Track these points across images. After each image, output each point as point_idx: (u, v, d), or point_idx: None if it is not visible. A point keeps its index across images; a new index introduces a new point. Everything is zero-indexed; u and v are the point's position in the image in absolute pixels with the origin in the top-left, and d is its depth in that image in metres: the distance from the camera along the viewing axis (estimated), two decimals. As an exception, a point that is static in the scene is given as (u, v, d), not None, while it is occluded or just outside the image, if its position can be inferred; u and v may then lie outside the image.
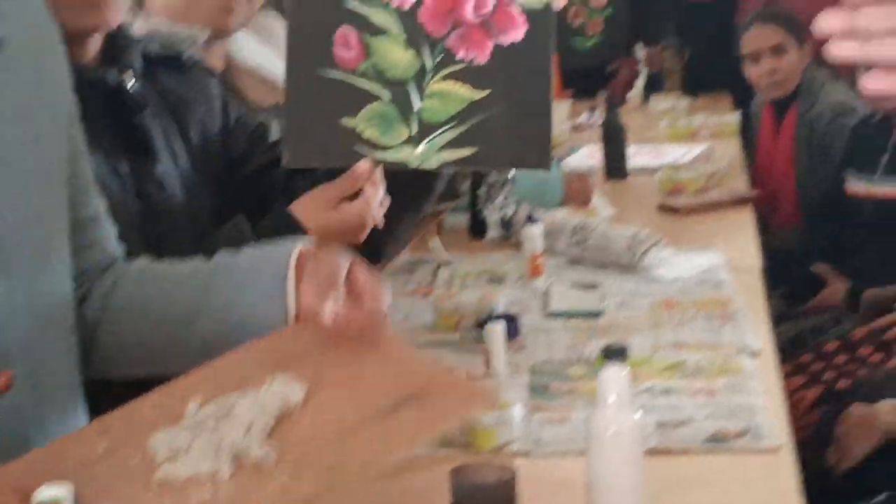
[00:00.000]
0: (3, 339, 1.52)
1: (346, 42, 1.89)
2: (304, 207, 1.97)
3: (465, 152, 1.90)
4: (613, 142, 4.13)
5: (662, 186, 3.82)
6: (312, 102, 1.91)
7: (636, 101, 5.44)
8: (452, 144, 1.90)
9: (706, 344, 2.53)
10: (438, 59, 1.89)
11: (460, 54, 1.88)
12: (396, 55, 1.89)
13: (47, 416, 1.61)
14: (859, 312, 3.88)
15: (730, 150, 4.51)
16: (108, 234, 1.77)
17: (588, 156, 4.31)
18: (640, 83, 5.55)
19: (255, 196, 2.19)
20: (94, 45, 1.98)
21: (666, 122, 4.82)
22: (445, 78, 1.89)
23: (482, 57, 1.88)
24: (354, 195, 1.94)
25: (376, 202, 1.96)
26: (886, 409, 3.06)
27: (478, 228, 3.18)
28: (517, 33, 1.88)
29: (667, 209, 3.70)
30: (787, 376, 3.61)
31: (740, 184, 3.99)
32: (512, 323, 2.59)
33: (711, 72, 5.43)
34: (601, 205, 3.69)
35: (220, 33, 2.50)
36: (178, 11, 2.40)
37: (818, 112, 4.70)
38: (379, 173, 1.96)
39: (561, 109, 4.88)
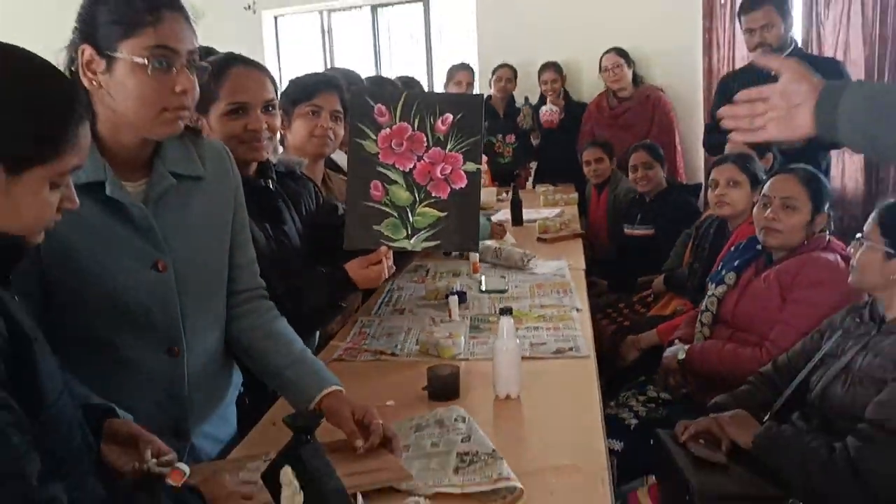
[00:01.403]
0: (177, 328, 1.47)
1: (376, 188, 1.94)
2: (351, 266, 1.97)
3: (434, 242, 1.96)
4: (516, 207, 4.13)
5: (538, 228, 3.80)
6: (359, 218, 1.93)
7: (529, 187, 5.39)
8: (428, 239, 1.95)
9: (555, 305, 2.53)
10: (422, 196, 1.95)
11: (433, 194, 1.95)
12: (401, 194, 1.95)
13: (201, 375, 1.55)
14: (635, 289, 3.91)
15: (572, 211, 4.48)
16: (252, 274, 1.68)
17: (504, 214, 4.26)
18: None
19: (327, 239, 2.11)
20: (253, 166, 1.96)
21: (542, 197, 4.78)
22: (425, 206, 1.95)
23: (444, 195, 1.95)
24: (377, 262, 1.96)
25: (387, 267, 1.98)
26: (642, 338, 3.12)
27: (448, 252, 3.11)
28: (462, 183, 1.95)
29: (540, 240, 3.68)
30: (602, 319, 3.65)
31: (576, 227, 3.96)
32: (463, 295, 2.60)
33: (564, 171, 5.36)
34: (509, 237, 3.66)
35: (319, 157, 2.43)
36: (297, 147, 2.35)
37: (618, 191, 4.69)
38: (391, 253, 1.99)
39: (491, 192, 4.92)
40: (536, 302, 2.60)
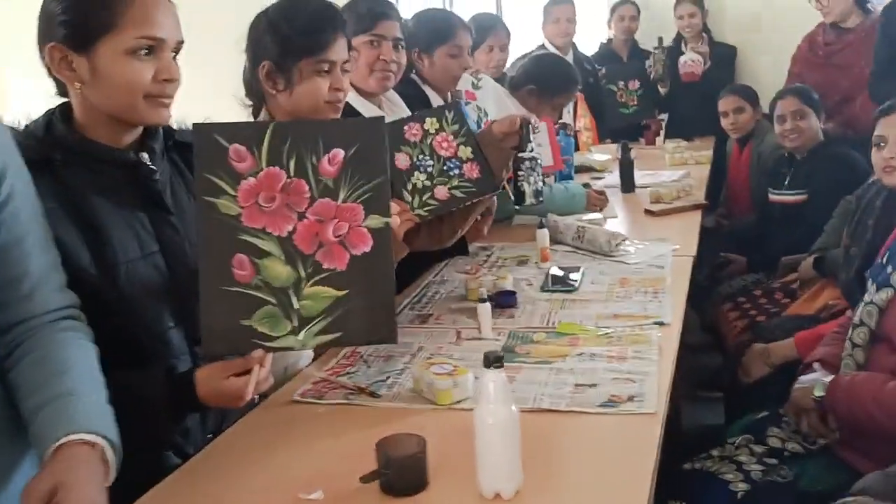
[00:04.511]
0: None
1: (241, 265, 1.28)
2: (202, 374, 1.28)
3: (334, 335, 1.31)
4: (626, 170, 3.29)
5: (649, 197, 2.97)
6: (219, 310, 1.28)
7: (659, 143, 4.49)
8: (324, 331, 1.30)
9: (634, 315, 1.77)
10: (310, 270, 1.31)
11: (326, 265, 1.31)
12: (279, 270, 1.30)
13: None
14: (777, 272, 3.01)
15: (700, 173, 3.59)
16: (48, 294, 1.17)
17: (615, 179, 3.41)
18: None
19: None
20: (135, 133, 1.34)
21: (669, 156, 3.92)
22: (315, 283, 1.31)
23: (342, 266, 1.31)
24: (244, 373, 1.26)
25: (256, 381, 1.26)
26: (774, 349, 2.27)
27: (519, 198, 2.00)
28: (366, 247, 1.32)
29: (648, 213, 2.87)
30: (730, 311, 2.85)
31: (700, 195, 3.11)
32: (511, 297, 1.89)
33: (703, 123, 4.40)
34: (612, 209, 2.90)
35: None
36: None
37: (764, 147, 3.71)
38: (268, 357, 1.29)
39: (609, 149, 4.09)
40: (609, 310, 1.84)
